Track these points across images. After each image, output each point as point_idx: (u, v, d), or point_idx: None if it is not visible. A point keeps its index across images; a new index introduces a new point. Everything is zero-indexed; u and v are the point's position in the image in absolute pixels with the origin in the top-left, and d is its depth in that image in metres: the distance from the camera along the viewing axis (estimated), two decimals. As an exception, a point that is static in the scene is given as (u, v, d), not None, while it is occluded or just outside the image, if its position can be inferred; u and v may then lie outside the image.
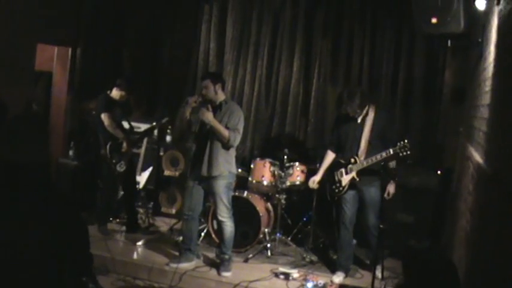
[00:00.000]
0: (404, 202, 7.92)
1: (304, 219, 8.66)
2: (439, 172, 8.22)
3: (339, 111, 7.57)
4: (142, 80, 10.46)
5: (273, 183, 8.27)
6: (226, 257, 7.21)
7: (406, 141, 6.64)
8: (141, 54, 10.63)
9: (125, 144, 8.19)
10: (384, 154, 6.79)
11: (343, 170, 7.19)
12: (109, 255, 7.14)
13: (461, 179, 6.73)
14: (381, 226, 6.60)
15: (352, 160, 7.11)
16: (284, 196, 8.42)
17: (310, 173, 8.36)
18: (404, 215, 7.90)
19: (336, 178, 7.25)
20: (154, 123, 8.76)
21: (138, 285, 7.10)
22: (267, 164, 8.27)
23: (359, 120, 7.17)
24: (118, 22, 10.61)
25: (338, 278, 7.25)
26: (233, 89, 9.88)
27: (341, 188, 7.20)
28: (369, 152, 7.01)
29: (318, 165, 8.13)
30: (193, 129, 7.24)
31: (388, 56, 9.13)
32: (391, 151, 6.71)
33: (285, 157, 8.38)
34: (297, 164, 8.40)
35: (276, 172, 8.26)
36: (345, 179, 7.17)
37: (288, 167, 8.34)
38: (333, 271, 7.45)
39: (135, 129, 8.68)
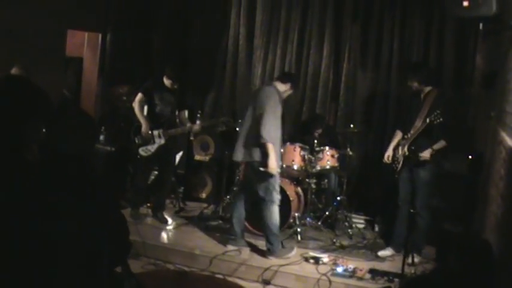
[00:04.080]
0: (436, 187, 7.86)
1: (335, 203, 8.63)
2: (470, 157, 8.13)
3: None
4: (172, 65, 10.46)
5: (303, 168, 8.25)
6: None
7: (438, 111, 6.82)
8: (171, 39, 10.62)
9: (143, 128, 8.15)
10: (417, 122, 7.03)
11: (400, 147, 7.35)
12: (140, 239, 7.18)
13: (493, 164, 6.66)
14: (412, 211, 6.61)
15: (405, 136, 7.27)
16: (314, 180, 8.43)
17: (340, 157, 8.36)
18: (435, 200, 7.83)
19: (396, 155, 7.41)
20: (214, 119, 8.73)
21: (169, 269, 7.13)
22: (297, 149, 8.23)
23: (422, 98, 7.28)
24: (147, 7, 10.62)
25: (384, 251, 7.48)
26: (263, 74, 9.87)
27: (398, 164, 7.35)
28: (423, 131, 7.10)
29: (348, 149, 8.16)
30: None
31: (418, 40, 9.05)
32: (427, 120, 6.90)
33: (315, 141, 8.37)
34: (327, 148, 8.37)
35: (306, 156, 8.24)
36: (400, 155, 7.34)
37: (318, 152, 8.33)
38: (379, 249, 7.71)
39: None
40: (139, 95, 8.20)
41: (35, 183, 3.01)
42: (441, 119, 6.80)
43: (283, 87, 7.26)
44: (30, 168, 3.03)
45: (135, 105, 8.19)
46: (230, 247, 7.37)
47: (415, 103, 7.33)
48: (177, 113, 8.42)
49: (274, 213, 7.18)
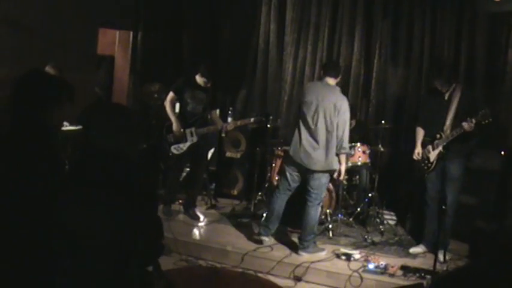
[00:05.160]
0: (467, 183, 7.81)
1: (366, 200, 8.61)
2: (502, 153, 8.06)
3: (430, 86, 7.52)
4: (202, 62, 10.48)
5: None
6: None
7: (487, 110, 6.74)
8: (201, 37, 10.65)
9: (174, 126, 8.19)
10: (465, 124, 6.82)
11: (430, 146, 7.28)
12: (172, 235, 7.23)
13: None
14: (443, 207, 6.56)
15: (438, 136, 7.18)
16: (346, 177, 8.39)
17: (372, 154, 8.34)
18: (466, 196, 7.78)
19: (424, 155, 7.34)
20: (247, 119, 8.73)
21: (201, 265, 7.16)
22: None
23: (446, 97, 7.19)
24: (178, 6, 10.66)
25: (416, 248, 7.49)
26: (294, 71, 9.86)
27: (430, 165, 7.30)
28: (454, 129, 7.03)
29: (379, 146, 8.14)
30: None
31: (449, 36, 8.99)
32: (474, 120, 6.78)
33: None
34: (358, 144, 8.36)
35: (337, 153, 8.23)
36: (433, 155, 7.25)
37: (350, 148, 8.29)
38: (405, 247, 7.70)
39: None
40: (171, 94, 8.24)
41: (60, 174, 3.08)
42: (490, 119, 6.73)
43: (335, 81, 7.33)
44: (56, 158, 3.11)
45: (166, 104, 8.23)
46: (264, 238, 7.42)
47: (439, 102, 7.25)
48: (209, 111, 8.42)
49: (319, 213, 7.34)
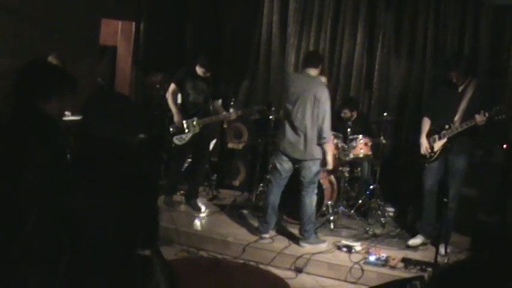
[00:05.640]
0: (469, 176, 7.80)
1: (368, 192, 8.61)
2: (504, 146, 8.05)
3: (445, 76, 7.40)
4: (205, 53, 10.46)
5: (336, 156, 8.23)
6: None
7: (501, 106, 6.75)
8: (204, 28, 10.64)
9: (175, 117, 8.19)
10: (478, 117, 6.78)
11: (436, 136, 7.23)
12: (173, 226, 7.23)
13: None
14: (445, 200, 6.55)
15: (447, 126, 7.12)
16: (347, 169, 8.42)
17: (374, 146, 8.33)
18: (467, 189, 7.78)
19: (429, 144, 7.28)
20: (249, 109, 8.73)
21: (202, 256, 7.17)
22: (331, 137, 8.20)
23: (460, 90, 7.14)
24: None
25: (414, 240, 7.44)
26: (296, 62, 9.83)
27: (433, 154, 7.25)
28: (464, 121, 7.00)
29: (381, 138, 8.17)
30: None
31: (453, 28, 8.96)
32: (487, 114, 6.75)
33: (349, 129, 8.36)
34: (360, 136, 8.34)
35: (339, 144, 8.23)
36: (438, 145, 7.20)
37: (352, 140, 8.31)
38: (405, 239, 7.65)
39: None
40: (172, 86, 8.25)
41: (62, 163, 3.09)
42: (504, 116, 6.71)
43: (316, 72, 7.31)
44: (57, 148, 3.13)
45: (168, 96, 8.24)
46: (264, 235, 7.41)
47: (451, 94, 7.18)
48: (211, 102, 8.42)
49: (315, 202, 7.32)
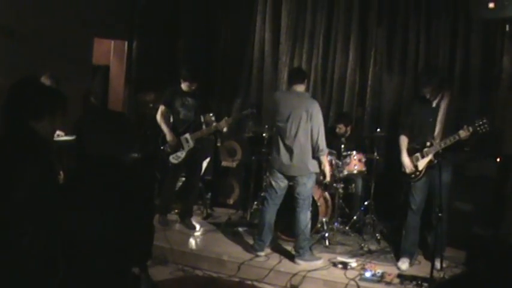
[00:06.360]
0: (462, 190, 7.79)
1: (362, 208, 8.60)
2: (498, 159, 8.06)
3: (418, 93, 7.39)
4: (198, 71, 10.47)
5: (331, 173, 8.21)
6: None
7: (484, 119, 6.64)
8: (196, 46, 10.67)
9: (168, 137, 8.19)
10: (462, 132, 6.72)
11: (418, 154, 7.15)
12: (168, 245, 7.22)
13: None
14: (440, 215, 6.51)
15: (428, 143, 7.05)
16: (342, 185, 8.41)
17: (368, 162, 8.33)
18: (462, 202, 7.77)
19: (412, 163, 7.20)
20: (239, 114, 8.70)
21: (197, 275, 7.14)
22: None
23: (434, 105, 7.09)
24: (173, 14, 10.68)
25: (404, 264, 7.24)
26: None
27: (418, 173, 7.17)
28: (444, 136, 6.93)
29: (375, 154, 8.27)
30: None
31: (444, 43, 9.02)
32: (470, 128, 6.67)
33: (342, 146, 8.36)
34: (354, 152, 8.36)
35: (333, 161, 8.24)
36: (422, 163, 7.12)
37: (345, 156, 8.32)
38: (398, 258, 7.43)
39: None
40: (162, 108, 8.30)
41: (53, 182, 3.08)
42: (488, 128, 6.62)
43: (303, 87, 7.38)
44: (48, 167, 3.12)
45: (159, 118, 8.28)
46: (259, 253, 7.38)
47: (427, 109, 7.11)
48: (202, 115, 8.43)
49: (309, 218, 7.32)
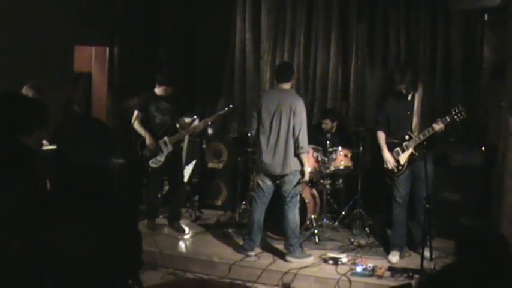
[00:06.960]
0: (449, 180, 7.82)
1: (350, 203, 8.62)
2: (483, 148, 8.09)
3: (392, 89, 7.31)
4: (180, 75, 10.47)
5: (317, 169, 8.25)
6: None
7: (460, 106, 6.67)
8: (178, 49, 10.66)
9: (147, 140, 8.18)
10: (435, 126, 6.76)
11: (398, 149, 7.18)
12: (157, 250, 7.20)
13: (506, 154, 6.63)
14: (428, 206, 6.53)
15: (407, 137, 7.09)
16: (329, 181, 8.43)
17: (354, 157, 8.35)
18: (449, 193, 7.80)
19: (394, 158, 7.22)
20: (216, 114, 8.70)
21: (188, 278, 7.14)
22: (310, 151, 8.19)
23: (409, 98, 7.12)
24: (153, 19, 10.66)
25: (394, 257, 7.26)
26: (272, 78, 9.85)
27: (400, 167, 7.19)
28: (422, 128, 6.97)
29: (360, 149, 8.29)
30: None
31: (424, 35, 9.05)
32: (448, 118, 6.71)
33: (328, 142, 8.37)
34: (339, 148, 8.36)
35: (319, 158, 8.24)
36: (403, 157, 7.15)
37: (331, 152, 8.33)
38: (387, 251, 7.46)
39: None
40: (135, 113, 8.28)
41: (41, 191, 3.07)
42: (465, 115, 6.65)
43: (289, 85, 7.39)
44: (35, 178, 3.11)
45: (134, 122, 8.25)
46: (249, 253, 7.38)
47: (402, 103, 7.14)
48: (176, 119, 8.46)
49: (297, 215, 7.31)
